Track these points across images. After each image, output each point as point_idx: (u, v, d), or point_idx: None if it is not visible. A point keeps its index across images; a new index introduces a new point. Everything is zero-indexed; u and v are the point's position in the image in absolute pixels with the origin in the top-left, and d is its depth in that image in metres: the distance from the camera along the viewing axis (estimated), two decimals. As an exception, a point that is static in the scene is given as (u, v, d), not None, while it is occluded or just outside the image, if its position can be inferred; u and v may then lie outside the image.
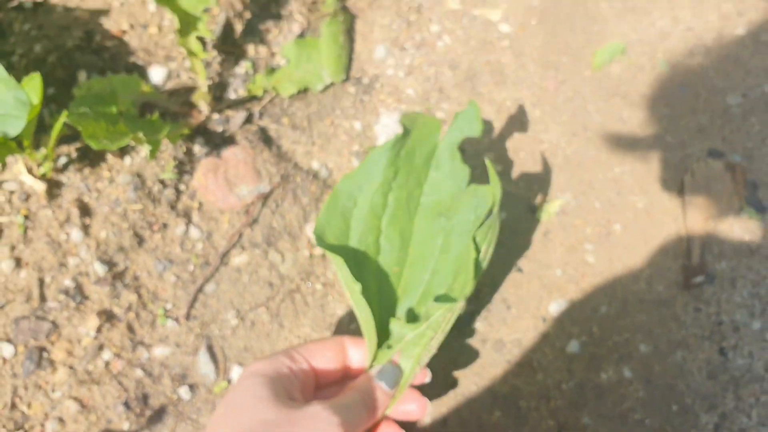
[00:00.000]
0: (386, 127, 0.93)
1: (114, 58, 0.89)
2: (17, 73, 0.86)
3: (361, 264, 0.68)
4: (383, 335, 0.67)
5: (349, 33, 1.00)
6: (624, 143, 0.94)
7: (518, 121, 0.95)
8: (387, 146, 0.70)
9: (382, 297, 0.69)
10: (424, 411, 0.67)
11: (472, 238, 0.67)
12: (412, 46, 1.00)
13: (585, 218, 0.90)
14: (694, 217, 0.90)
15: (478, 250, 0.66)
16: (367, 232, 0.69)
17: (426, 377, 0.69)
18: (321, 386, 0.67)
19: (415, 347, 0.66)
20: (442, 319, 0.64)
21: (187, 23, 0.82)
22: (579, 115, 0.96)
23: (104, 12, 0.91)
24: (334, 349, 0.66)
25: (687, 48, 1.01)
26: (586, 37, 1.01)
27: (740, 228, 0.89)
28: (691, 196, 0.91)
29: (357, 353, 0.67)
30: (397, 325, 0.65)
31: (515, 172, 0.92)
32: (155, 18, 0.93)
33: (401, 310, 0.70)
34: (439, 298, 0.65)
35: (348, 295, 0.64)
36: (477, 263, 0.65)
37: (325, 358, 0.65)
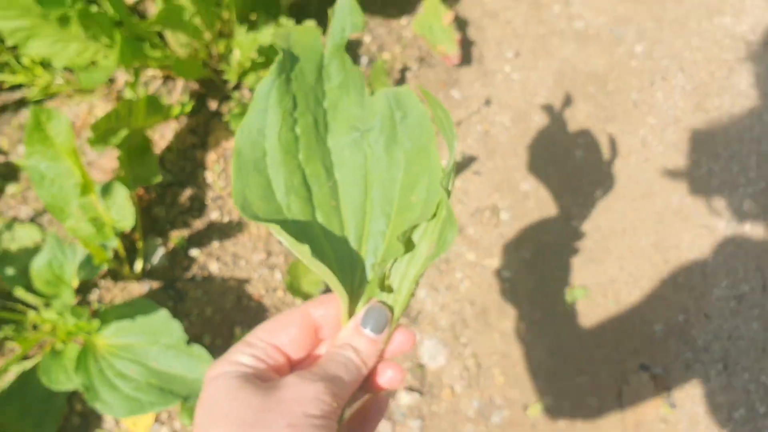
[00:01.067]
0: (429, 350, 1.42)
1: (256, 316, 1.39)
2: (194, 328, 1.36)
3: (298, 215, 0.60)
4: (353, 280, 0.60)
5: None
6: (583, 361, 1.44)
7: (515, 343, 1.45)
8: (272, 76, 0.60)
9: (333, 242, 0.60)
10: (414, 341, 0.59)
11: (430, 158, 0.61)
12: (443, 288, 1.49)
13: (558, 416, 1.39)
14: (631, 416, 1.39)
15: (446, 186, 0.58)
16: (290, 177, 0.60)
17: (415, 337, 0.60)
18: (297, 364, 0.59)
19: (400, 278, 0.60)
20: (425, 240, 0.59)
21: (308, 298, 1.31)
22: (556, 340, 1.45)
23: (248, 281, 1.41)
24: (296, 320, 0.58)
25: (628, 290, 1.50)
26: (561, 281, 1.51)
27: (661, 421, 1.38)
28: (627, 400, 1.40)
29: (329, 313, 0.59)
30: (374, 266, 0.59)
31: (511, 379, 1.41)
32: (281, 284, 1.42)
33: (355, 246, 0.62)
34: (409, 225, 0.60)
35: (298, 256, 0.56)
36: (448, 196, 0.57)
37: (288, 333, 0.57)
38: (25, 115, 1.49)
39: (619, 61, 1.77)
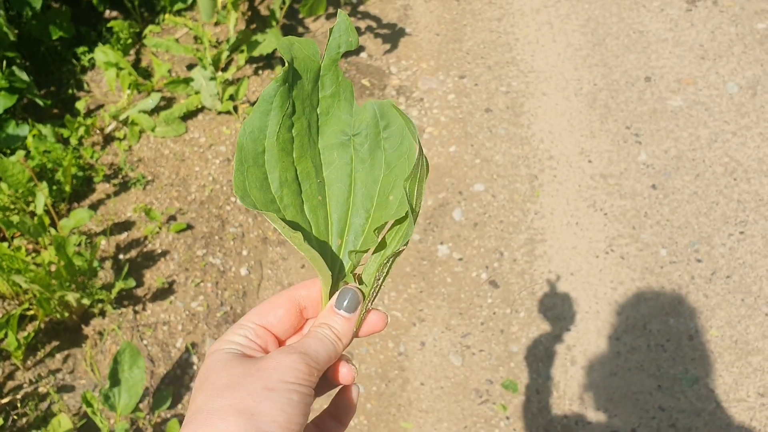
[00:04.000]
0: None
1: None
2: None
3: (289, 206, 0.66)
4: (334, 267, 0.67)
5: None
6: None
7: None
8: (277, 83, 0.65)
9: (318, 232, 0.68)
10: (385, 321, 0.67)
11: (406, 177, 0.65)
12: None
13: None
14: None
15: (409, 188, 0.63)
16: (284, 173, 0.66)
17: (387, 318, 0.67)
18: (284, 342, 0.66)
19: (371, 267, 0.67)
20: (395, 237, 0.66)
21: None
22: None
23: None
24: (283, 303, 0.66)
25: None
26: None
27: None
28: None
29: (311, 295, 0.67)
30: (351, 254, 0.67)
31: None
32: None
33: (338, 237, 0.69)
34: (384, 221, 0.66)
35: (291, 242, 0.62)
36: (410, 205, 0.62)
37: (275, 315, 0.65)
38: None
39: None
